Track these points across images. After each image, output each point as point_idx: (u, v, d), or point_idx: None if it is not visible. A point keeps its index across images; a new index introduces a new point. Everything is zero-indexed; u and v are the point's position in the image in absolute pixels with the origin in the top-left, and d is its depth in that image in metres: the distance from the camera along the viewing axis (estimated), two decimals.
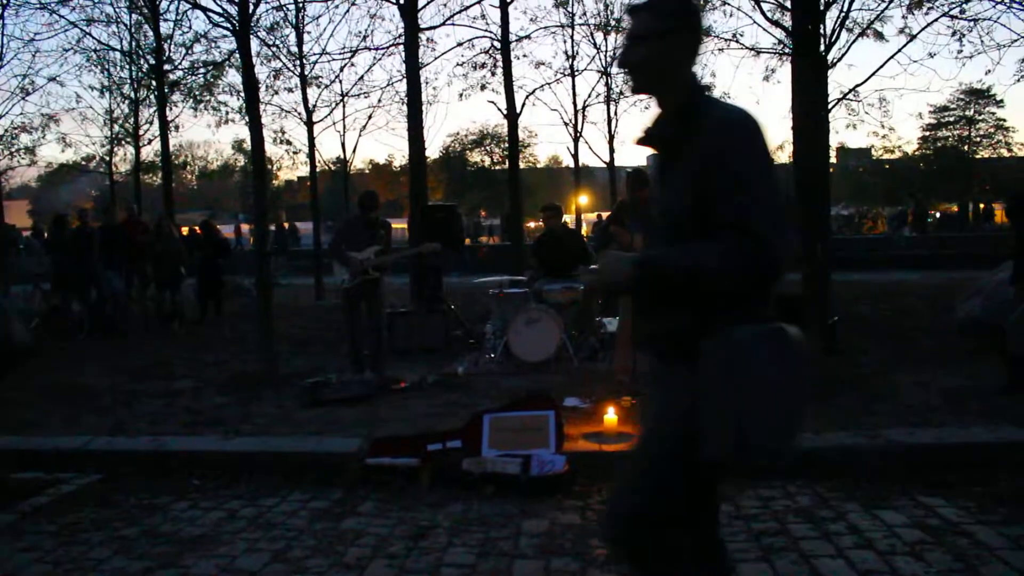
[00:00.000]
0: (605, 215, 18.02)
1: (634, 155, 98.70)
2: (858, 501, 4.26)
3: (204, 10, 13.48)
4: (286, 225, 35.86)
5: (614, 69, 22.83)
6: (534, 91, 22.24)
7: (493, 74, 19.75)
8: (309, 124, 18.59)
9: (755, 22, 14.80)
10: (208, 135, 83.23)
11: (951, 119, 45.12)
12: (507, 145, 22.22)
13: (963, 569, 3.42)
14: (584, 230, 25.13)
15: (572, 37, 22.07)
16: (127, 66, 18.80)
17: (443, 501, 4.47)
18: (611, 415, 5.37)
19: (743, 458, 2.00)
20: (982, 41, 12.38)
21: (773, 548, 3.71)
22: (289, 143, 21.34)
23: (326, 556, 3.78)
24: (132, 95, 19.40)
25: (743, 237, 1.94)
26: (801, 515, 4.12)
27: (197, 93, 19.22)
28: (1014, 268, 6.46)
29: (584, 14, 21.58)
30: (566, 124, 24.90)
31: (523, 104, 20.62)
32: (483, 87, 20.61)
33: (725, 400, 1.96)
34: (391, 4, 14.53)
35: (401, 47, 15.12)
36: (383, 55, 18.66)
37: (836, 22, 10.46)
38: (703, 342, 2.00)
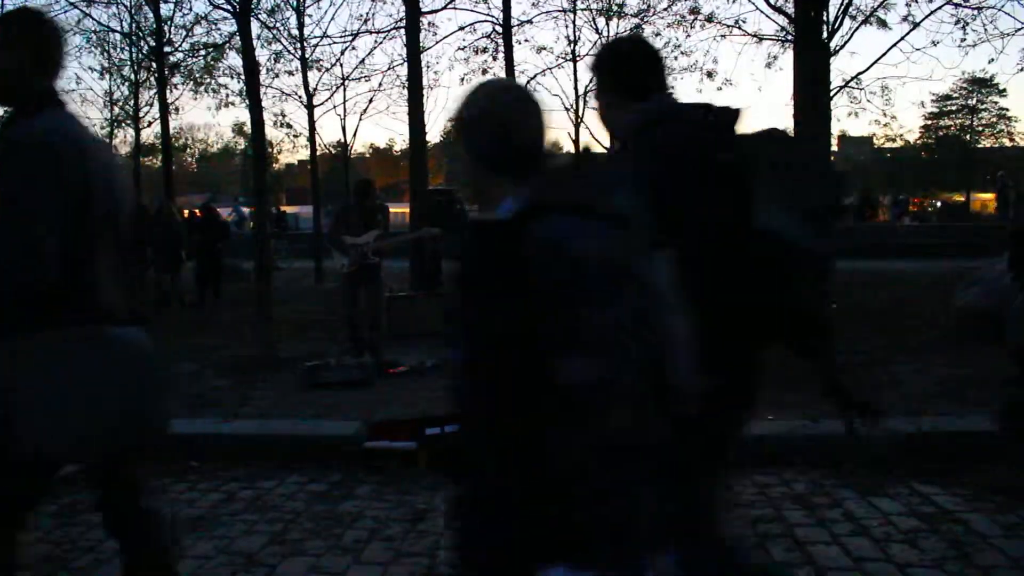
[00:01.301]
0: None
1: None
2: (854, 488, 4.28)
3: None
4: (283, 209, 35.83)
5: None
6: (535, 76, 22.19)
7: (494, 59, 19.70)
8: (310, 107, 18.56)
9: (758, 8, 14.78)
10: (208, 118, 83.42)
11: (953, 108, 45.03)
12: None
13: (957, 556, 3.44)
14: None
15: (574, 22, 21.95)
16: (127, 48, 18.79)
17: (440, 484, 4.49)
18: None
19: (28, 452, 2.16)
20: (986, 29, 12.30)
21: (768, 535, 3.73)
22: (290, 126, 21.32)
23: (324, 538, 3.80)
24: (132, 77, 19.38)
25: None
26: (797, 502, 4.14)
27: (197, 75, 19.21)
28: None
29: None
30: (567, 109, 24.83)
31: None
32: (484, 71, 20.54)
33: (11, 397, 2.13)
34: None
35: (402, 30, 15.09)
36: (384, 38, 18.67)
37: (839, 9, 10.45)
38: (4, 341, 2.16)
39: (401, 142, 39.51)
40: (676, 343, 1.60)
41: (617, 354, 1.47)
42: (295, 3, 17.48)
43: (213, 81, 19.55)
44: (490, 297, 1.53)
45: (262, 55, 17.54)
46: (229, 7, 13.10)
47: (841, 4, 10.44)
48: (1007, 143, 45.12)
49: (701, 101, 2.34)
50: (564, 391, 1.45)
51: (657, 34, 20.89)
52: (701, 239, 1.98)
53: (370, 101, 20.65)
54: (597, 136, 28.48)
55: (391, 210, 21.55)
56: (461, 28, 24.01)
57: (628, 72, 2.24)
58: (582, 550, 1.46)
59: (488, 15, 18.62)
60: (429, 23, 17.39)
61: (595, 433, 1.46)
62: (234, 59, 18.75)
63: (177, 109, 19.25)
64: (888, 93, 16.53)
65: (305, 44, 17.99)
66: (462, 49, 20.61)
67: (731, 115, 2.22)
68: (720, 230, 2.00)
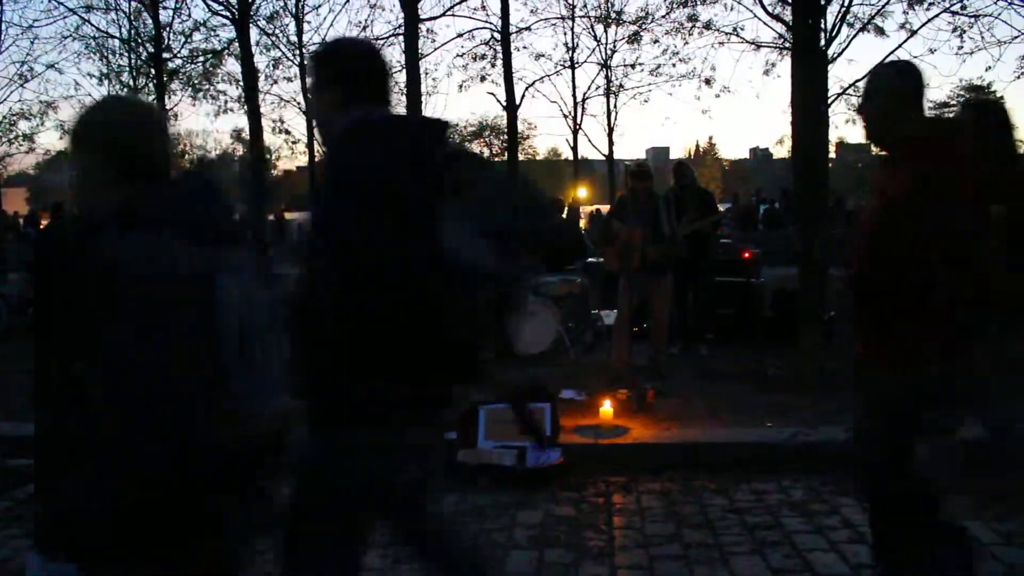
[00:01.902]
0: (605, 209, 18.06)
1: (633, 149, 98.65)
2: (852, 495, 4.27)
3: None
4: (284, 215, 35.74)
5: (614, 62, 22.84)
6: (534, 83, 22.33)
7: (493, 65, 19.79)
8: (308, 114, 18.55)
9: (756, 16, 14.79)
10: (207, 124, 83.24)
11: (950, 115, 45.12)
12: (506, 137, 22.21)
13: None
14: (582, 223, 25.14)
15: (572, 29, 22.07)
16: (126, 54, 18.74)
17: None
18: (607, 408, 5.38)
19: None
20: (983, 37, 12.31)
21: (766, 542, 3.73)
22: (288, 132, 21.37)
23: None
24: (131, 83, 19.33)
25: None
26: (795, 509, 4.14)
27: (196, 82, 19.19)
28: None
29: (585, 6, 21.52)
30: (565, 116, 24.97)
31: (523, 96, 20.68)
32: (483, 78, 20.63)
33: None
34: None
35: (401, 37, 15.11)
36: (383, 45, 18.63)
37: (837, 17, 10.46)
38: None
39: None
40: (254, 363, 1.66)
41: (131, 367, 1.53)
42: (294, 9, 17.54)
43: (212, 87, 19.57)
44: (41, 300, 1.63)
45: (261, 61, 17.56)
46: (228, 13, 13.12)
47: (839, 12, 10.47)
48: None
49: (423, 115, 2.35)
50: (76, 391, 1.53)
51: (655, 41, 20.96)
52: (373, 256, 1.98)
53: None
54: (595, 143, 28.45)
55: None
56: (460, 35, 24.19)
57: (356, 76, 2.19)
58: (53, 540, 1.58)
59: (487, 22, 18.70)
60: (428, 30, 17.44)
61: (90, 434, 1.54)
62: (233, 65, 18.72)
63: (176, 115, 19.21)
64: None
65: (304, 50, 18.03)
66: (461, 56, 20.66)
67: (436, 129, 2.18)
68: (396, 249, 1.98)
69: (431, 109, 22.38)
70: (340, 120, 2.15)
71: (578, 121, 24.93)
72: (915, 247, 2.55)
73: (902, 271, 2.58)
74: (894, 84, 2.75)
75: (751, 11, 21.19)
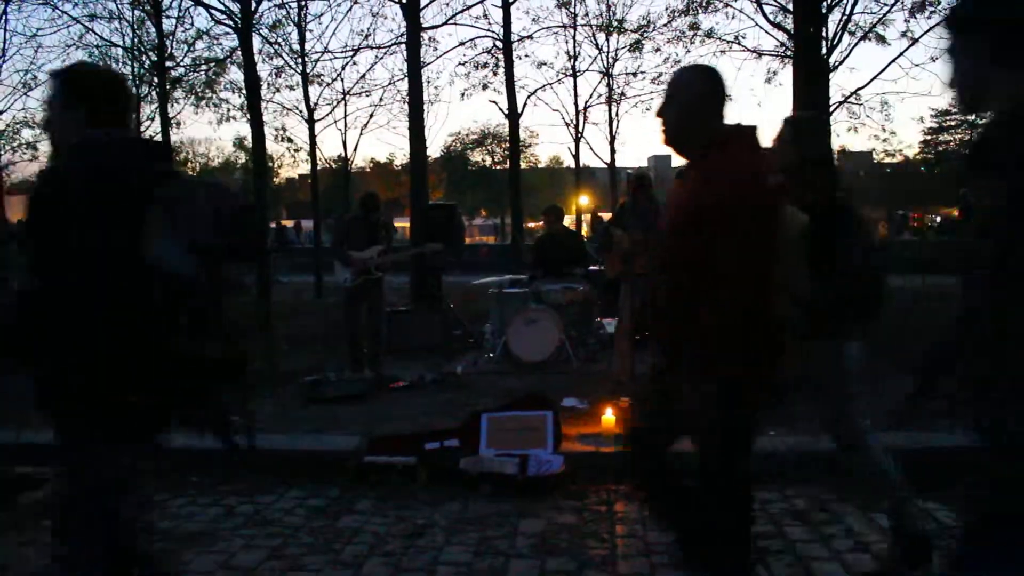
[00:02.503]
0: (606, 216, 18.08)
1: (635, 156, 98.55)
2: (855, 504, 4.27)
3: (207, 7, 13.51)
4: (286, 223, 35.88)
5: (615, 70, 22.88)
6: (535, 91, 22.36)
7: (495, 74, 19.86)
8: (310, 122, 18.64)
9: (757, 24, 14.87)
10: (209, 132, 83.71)
11: (953, 123, 45.14)
12: (508, 145, 22.26)
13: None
14: (584, 231, 25.15)
15: (574, 37, 22.11)
16: (129, 62, 18.82)
17: (440, 500, 4.48)
18: (609, 416, 5.37)
19: None
20: None
21: (769, 551, 3.72)
22: (290, 141, 21.45)
23: (323, 553, 3.79)
24: (134, 91, 19.40)
25: None
26: (797, 518, 4.13)
27: (199, 90, 19.27)
28: None
29: (586, 14, 21.62)
30: (567, 124, 24.99)
31: (524, 104, 20.70)
32: (485, 87, 20.70)
33: None
34: (394, 3, 14.60)
35: (403, 46, 15.16)
36: (385, 54, 18.82)
37: (838, 25, 10.51)
38: None
39: (401, 157, 39.63)
40: None
41: None
42: (296, 18, 17.60)
43: (214, 96, 19.67)
44: None
45: (263, 70, 17.60)
46: (231, 22, 13.16)
47: (840, 20, 10.54)
48: None
49: (146, 138, 2.54)
50: None
51: (657, 49, 21.05)
52: (78, 265, 2.13)
53: (371, 116, 20.88)
54: (597, 151, 28.42)
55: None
56: (462, 43, 24.25)
57: (99, 100, 2.34)
58: None
59: (488, 31, 18.75)
60: (430, 39, 17.51)
61: None
62: (235, 74, 18.82)
63: (178, 123, 19.34)
64: (887, 108, 16.58)
65: (306, 59, 18.11)
66: (463, 64, 20.75)
67: (154, 150, 2.38)
68: (99, 258, 2.13)
69: (433, 118, 22.43)
70: (75, 137, 2.31)
71: (580, 129, 24.97)
72: (710, 258, 2.43)
73: (703, 282, 2.46)
74: (694, 88, 2.62)
75: (752, 19, 21.20)
